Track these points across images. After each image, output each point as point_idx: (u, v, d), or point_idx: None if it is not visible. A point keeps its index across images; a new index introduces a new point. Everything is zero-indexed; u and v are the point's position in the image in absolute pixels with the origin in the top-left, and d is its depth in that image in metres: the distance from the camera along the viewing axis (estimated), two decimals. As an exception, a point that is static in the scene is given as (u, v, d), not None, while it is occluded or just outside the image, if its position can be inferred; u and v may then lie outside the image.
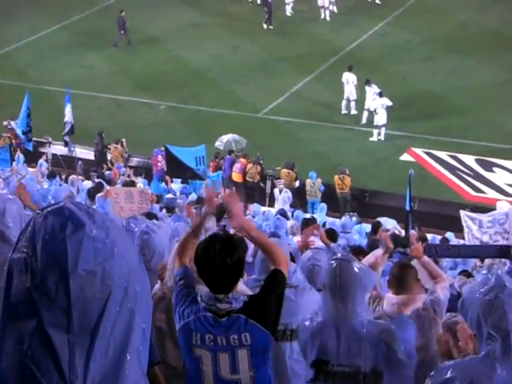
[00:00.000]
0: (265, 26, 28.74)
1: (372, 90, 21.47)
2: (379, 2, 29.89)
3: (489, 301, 2.86)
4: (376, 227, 13.45)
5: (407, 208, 14.31)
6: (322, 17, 29.10)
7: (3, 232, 3.63)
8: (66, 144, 20.38)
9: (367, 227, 14.06)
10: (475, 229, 14.61)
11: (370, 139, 21.36)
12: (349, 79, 22.38)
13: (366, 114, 21.82)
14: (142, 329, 1.66)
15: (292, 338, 4.93)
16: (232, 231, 5.89)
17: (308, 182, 18.83)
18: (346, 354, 4.00)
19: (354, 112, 22.45)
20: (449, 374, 2.84)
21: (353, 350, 3.99)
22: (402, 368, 4.05)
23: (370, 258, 6.43)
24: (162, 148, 18.83)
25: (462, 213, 15.15)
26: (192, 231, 4.26)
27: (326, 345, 4.03)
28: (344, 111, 22.54)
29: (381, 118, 21.01)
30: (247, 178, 19.63)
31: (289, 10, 29.83)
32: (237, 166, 19.77)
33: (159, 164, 19.72)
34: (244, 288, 4.36)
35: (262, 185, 19.64)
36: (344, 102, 22.57)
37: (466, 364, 2.94)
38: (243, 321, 3.65)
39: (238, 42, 28.09)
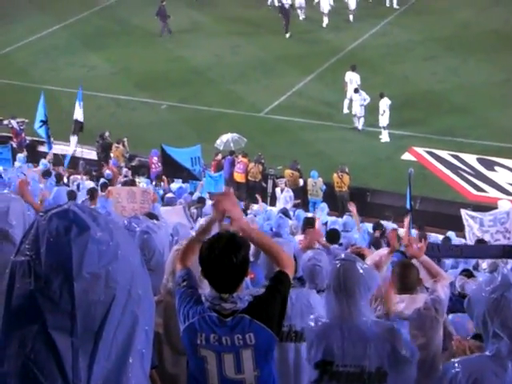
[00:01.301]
0: (287, 35, 28.17)
1: (360, 98, 21.40)
2: (397, 7, 29.56)
3: (495, 299, 2.85)
4: (378, 227, 13.49)
5: (407, 207, 14.33)
6: (325, 25, 28.87)
7: (7, 231, 3.62)
8: (75, 141, 20.35)
9: (368, 227, 14.05)
10: (476, 228, 14.63)
11: (382, 140, 21.28)
12: (352, 79, 22.34)
13: (355, 119, 21.84)
14: (145, 331, 1.66)
15: (296, 339, 4.93)
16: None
17: (310, 181, 18.83)
18: (351, 354, 4.00)
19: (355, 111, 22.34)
20: (455, 371, 2.84)
21: (358, 350, 3.99)
22: (406, 367, 4.05)
23: (374, 257, 6.43)
24: (158, 150, 18.87)
25: (463, 212, 15.16)
26: (197, 236, 4.25)
27: (331, 346, 4.03)
28: (346, 110, 22.51)
29: (387, 119, 20.97)
30: (249, 178, 19.63)
31: (301, 16, 29.46)
32: (239, 167, 19.77)
33: (153, 166, 19.75)
34: None
35: (263, 184, 19.64)
36: (346, 102, 22.53)
37: (472, 362, 2.94)
38: (248, 321, 3.65)
39: (238, 42, 28.07)
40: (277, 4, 29.58)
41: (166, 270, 4.81)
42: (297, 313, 4.92)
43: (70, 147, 20.13)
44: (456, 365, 2.88)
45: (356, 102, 21.60)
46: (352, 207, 13.04)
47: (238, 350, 3.67)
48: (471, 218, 14.92)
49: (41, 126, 18.84)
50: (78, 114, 19.92)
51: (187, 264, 4.07)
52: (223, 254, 3.62)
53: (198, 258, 3.74)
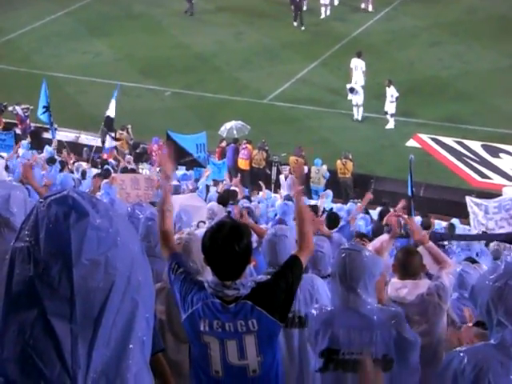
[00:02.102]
0: (295, 23, 27.82)
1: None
2: None
3: (499, 287, 2.84)
4: (384, 214, 13.46)
5: (409, 193, 14.31)
6: (323, 16, 28.59)
7: (8, 219, 3.63)
8: (104, 137, 20.32)
9: (373, 214, 14.03)
10: (481, 215, 14.62)
11: (386, 127, 21.23)
12: (357, 65, 22.25)
13: (355, 109, 21.75)
14: (145, 318, 1.66)
15: (301, 325, 4.94)
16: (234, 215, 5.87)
17: (313, 168, 18.81)
18: (357, 342, 4.01)
19: (360, 101, 22.23)
20: (459, 361, 2.83)
21: (364, 337, 4.01)
22: (411, 352, 4.08)
23: (375, 243, 6.43)
24: (160, 137, 18.82)
25: (468, 198, 15.15)
26: (159, 207, 4.31)
27: (337, 334, 4.04)
28: (350, 97, 22.43)
29: (394, 106, 20.91)
30: (253, 164, 19.61)
31: (325, 12, 28.74)
32: (244, 153, 19.74)
33: (153, 153, 19.71)
34: None
35: (267, 171, 19.62)
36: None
37: (477, 351, 2.93)
38: (250, 307, 3.67)
39: (242, 28, 27.98)
40: None
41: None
42: (301, 299, 4.93)
43: (107, 143, 20.03)
44: (461, 354, 2.87)
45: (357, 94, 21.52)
46: (368, 196, 12.70)
47: (240, 337, 3.68)
48: (476, 205, 14.91)
49: (44, 113, 18.82)
50: (111, 111, 19.80)
51: (173, 246, 4.11)
52: (226, 243, 3.62)
53: (201, 246, 3.75)
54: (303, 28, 27.47)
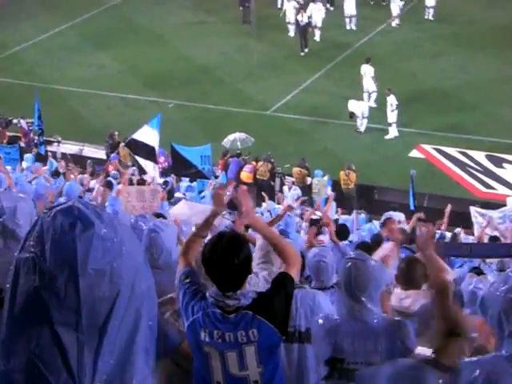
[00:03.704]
0: (302, 54, 26.51)
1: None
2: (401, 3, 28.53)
3: (510, 299, 2.83)
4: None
5: (412, 208, 14.26)
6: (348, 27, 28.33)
7: (14, 230, 3.65)
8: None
9: (377, 225, 14.01)
10: (485, 225, 14.56)
11: (386, 137, 21.23)
12: (366, 71, 22.30)
13: (358, 120, 21.59)
14: (148, 327, 1.67)
15: (301, 339, 4.92)
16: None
17: (314, 180, 18.82)
18: (361, 351, 4.01)
19: (373, 105, 22.10)
20: (470, 371, 2.82)
21: (369, 347, 4.01)
22: None
23: (379, 253, 6.42)
24: (166, 149, 18.71)
25: (472, 209, 15.10)
26: (198, 231, 4.28)
27: (341, 343, 4.05)
28: (369, 103, 22.09)
29: (395, 115, 20.92)
30: (257, 176, 19.61)
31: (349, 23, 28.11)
32: (248, 166, 19.75)
33: (159, 165, 19.61)
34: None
35: (271, 183, 19.62)
36: (365, 95, 22.37)
37: (488, 362, 2.91)
38: (250, 317, 3.67)
39: (245, 40, 28.06)
40: (291, 20, 27.58)
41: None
42: (302, 314, 4.91)
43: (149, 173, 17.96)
44: (472, 365, 2.86)
45: (363, 103, 21.52)
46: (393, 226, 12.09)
47: (240, 348, 3.68)
48: (480, 215, 14.87)
49: (38, 125, 18.92)
50: (153, 140, 17.10)
51: (189, 261, 4.09)
52: (225, 255, 3.65)
53: (201, 258, 3.77)
54: (306, 50, 26.40)
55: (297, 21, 26.62)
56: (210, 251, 3.70)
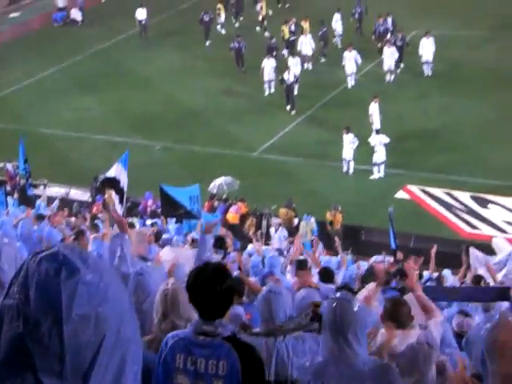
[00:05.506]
0: (287, 107, 25.84)
1: (348, 139, 21.42)
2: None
3: (493, 338, 2.83)
4: (372, 271, 13.38)
5: (393, 247, 14.22)
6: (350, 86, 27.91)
7: (-2, 276, 3.62)
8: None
9: (364, 265, 13.96)
10: (483, 270, 14.49)
11: (371, 177, 21.37)
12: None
13: (344, 163, 21.74)
14: (133, 372, 1.66)
15: None
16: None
17: (302, 223, 18.82)
18: None
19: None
20: None
21: None
22: None
23: (363, 292, 6.43)
24: (154, 191, 18.74)
25: (472, 250, 15.01)
26: None
27: None
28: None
29: (380, 156, 21.12)
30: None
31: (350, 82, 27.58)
32: (234, 207, 19.78)
33: (148, 209, 19.65)
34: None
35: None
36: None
37: None
38: (227, 348, 3.66)
39: (231, 84, 28.31)
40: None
41: (156, 310, 4.78)
42: (293, 363, 4.85)
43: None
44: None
45: (346, 145, 21.63)
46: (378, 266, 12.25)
47: (210, 380, 3.67)
48: (478, 260, 14.79)
49: (23, 169, 18.97)
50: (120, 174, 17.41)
51: None
52: (209, 282, 3.73)
53: (186, 285, 3.83)
54: (293, 112, 25.67)
55: (282, 79, 25.76)
56: (195, 278, 3.78)
